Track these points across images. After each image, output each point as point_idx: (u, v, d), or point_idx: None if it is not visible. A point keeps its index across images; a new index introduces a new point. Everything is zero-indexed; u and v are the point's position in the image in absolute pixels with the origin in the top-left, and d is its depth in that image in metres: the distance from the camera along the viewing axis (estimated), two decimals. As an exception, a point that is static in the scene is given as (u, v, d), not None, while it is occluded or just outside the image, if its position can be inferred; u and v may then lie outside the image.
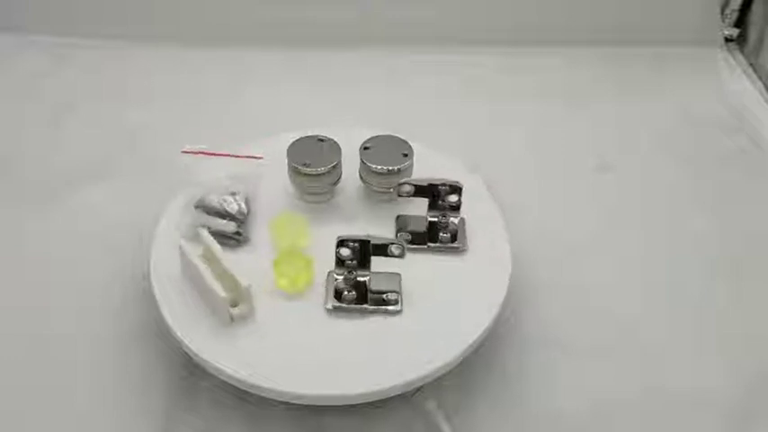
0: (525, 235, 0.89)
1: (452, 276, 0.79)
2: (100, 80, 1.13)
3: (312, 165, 0.81)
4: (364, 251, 0.74)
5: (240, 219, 0.81)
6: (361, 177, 0.84)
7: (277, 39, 1.18)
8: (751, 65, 1.21)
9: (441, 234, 0.80)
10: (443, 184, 0.79)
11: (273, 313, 0.75)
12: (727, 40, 1.25)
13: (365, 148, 0.82)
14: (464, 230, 0.81)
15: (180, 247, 0.75)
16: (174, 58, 1.16)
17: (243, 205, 0.81)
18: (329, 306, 0.75)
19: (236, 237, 0.80)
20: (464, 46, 1.19)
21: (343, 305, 0.75)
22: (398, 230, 0.82)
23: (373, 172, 0.82)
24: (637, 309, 0.87)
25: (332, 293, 0.75)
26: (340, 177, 0.84)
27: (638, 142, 1.08)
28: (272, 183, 0.85)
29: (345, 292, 0.75)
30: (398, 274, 0.77)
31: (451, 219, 0.81)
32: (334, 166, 0.81)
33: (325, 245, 0.76)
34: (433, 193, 0.80)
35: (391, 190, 0.82)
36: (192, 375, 0.76)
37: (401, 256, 0.74)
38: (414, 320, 0.75)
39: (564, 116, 1.11)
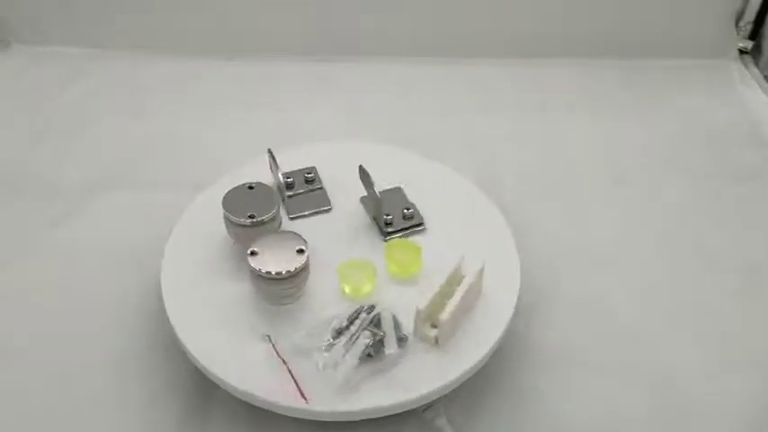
0: (538, 248, 0.90)
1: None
2: (119, 90, 1.14)
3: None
4: None
5: None
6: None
7: (292, 50, 1.19)
8: (765, 77, 1.21)
9: None
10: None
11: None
12: (742, 52, 1.25)
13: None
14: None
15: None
16: (192, 67, 1.17)
17: None
18: None
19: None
20: (479, 58, 1.19)
21: None
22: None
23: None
24: (651, 323, 0.87)
25: None
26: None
27: (653, 155, 1.07)
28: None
29: None
30: None
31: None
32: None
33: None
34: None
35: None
36: (206, 385, 0.76)
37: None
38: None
39: (578, 128, 1.11)
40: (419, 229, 0.84)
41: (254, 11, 1.18)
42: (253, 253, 0.74)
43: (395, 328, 0.73)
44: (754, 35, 1.25)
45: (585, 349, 0.84)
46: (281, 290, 0.75)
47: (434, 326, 0.73)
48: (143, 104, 1.11)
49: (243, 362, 0.73)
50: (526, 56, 1.20)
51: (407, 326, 0.74)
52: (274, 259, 0.74)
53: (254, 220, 0.77)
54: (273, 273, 0.73)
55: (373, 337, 0.72)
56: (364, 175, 0.81)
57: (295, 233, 0.76)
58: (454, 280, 0.75)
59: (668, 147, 1.09)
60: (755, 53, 1.25)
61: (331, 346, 0.72)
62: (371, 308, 0.75)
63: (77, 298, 0.87)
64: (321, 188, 0.87)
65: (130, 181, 1.00)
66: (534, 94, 1.16)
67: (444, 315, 0.72)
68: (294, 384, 0.70)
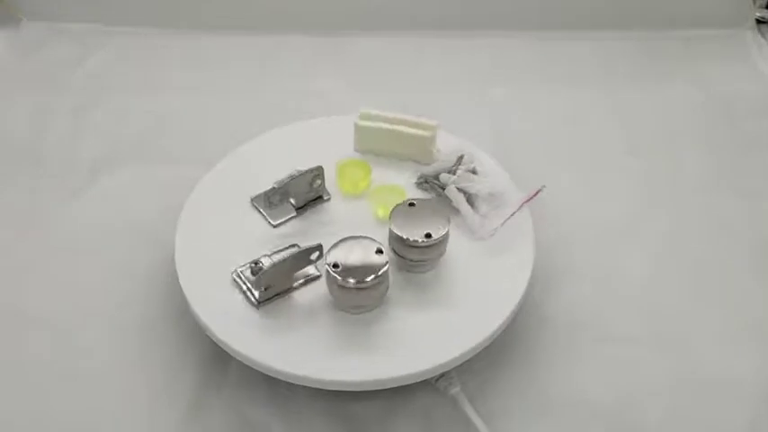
0: (552, 219, 0.90)
1: (477, 261, 0.79)
2: (128, 67, 1.13)
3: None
4: None
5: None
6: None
7: (304, 24, 1.18)
8: (783, 47, 1.19)
9: None
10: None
11: (299, 303, 0.75)
12: (759, 21, 1.23)
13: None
14: None
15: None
16: (201, 44, 1.16)
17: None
18: None
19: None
20: (491, 29, 1.18)
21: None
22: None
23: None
24: (666, 294, 0.86)
25: None
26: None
27: (669, 126, 1.06)
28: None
29: None
30: None
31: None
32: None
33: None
34: None
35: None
36: (220, 355, 0.77)
37: None
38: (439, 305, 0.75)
39: (593, 100, 1.10)
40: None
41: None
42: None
43: None
44: (772, 4, 1.23)
45: (599, 320, 0.84)
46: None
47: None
48: (154, 80, 1.11)
49: (257, 332, 0.73)
50: (540, 28, 1.19)
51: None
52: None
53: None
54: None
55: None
56: None
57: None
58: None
59: (684, 118, 1.08)
60: (773, 22, 1.23)
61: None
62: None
63: (92, 271, 0.87)
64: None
65: (143, 156, 1.00)
66: (548, 66, 1.15)
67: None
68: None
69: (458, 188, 0.81)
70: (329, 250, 0.73)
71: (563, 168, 1.00)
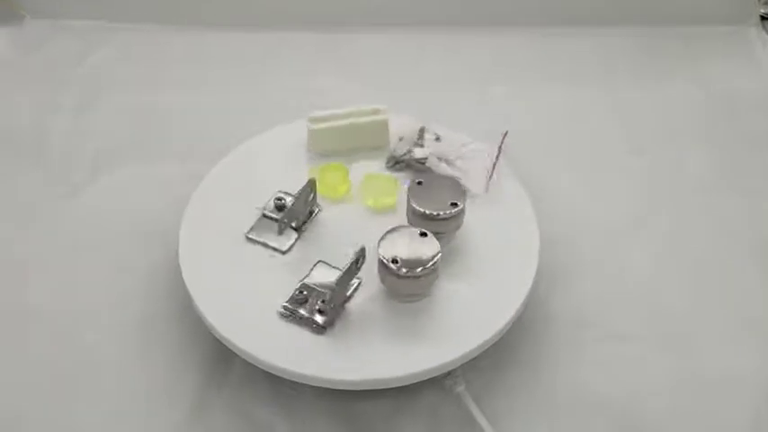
0: (556, 217, 0.89)
1: (481, 259, 0.79)
2: (130, 64, 1.13)
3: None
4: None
5: None
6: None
7: (307, 21, 1.18)
8: (788, 44, 1.19)
9: None
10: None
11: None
12: (763, 18, 1.23)
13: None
14: None
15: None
16: (207, 39, 1.16)
17: None
18: None
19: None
20: (493, 26, 1.18)
21: None
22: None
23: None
24: (671, 292, 0.86)
25: None
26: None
27: (671, 123, 1.06)
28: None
29: None
30: None
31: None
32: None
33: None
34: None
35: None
36: (223, 353, 0.77)
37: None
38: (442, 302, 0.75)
39: (595, 97, 1.09)
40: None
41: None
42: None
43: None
44: (776, 1, 1.23)
45: (605, 319, 0.84)
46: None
47: None
48: (157, 76, 1.10)
49: (261, 330, 0.73)
50: (541, 24, 1.18)
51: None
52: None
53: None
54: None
55: None
56: None
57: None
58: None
59: (686, 115, 1.07)
60: (777, 19, 1.23)
61: None
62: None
63: (95, 266, 0.87)
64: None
65: (147, 152, 1.00)
66: (550, 63, 1.14)
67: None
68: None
69: (437, 157, 0.82)
70: (379, 245, 0.73)
71: (564, 165, 0.99)
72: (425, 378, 0.72)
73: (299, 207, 0.81)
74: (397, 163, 0.85)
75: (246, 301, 0.75)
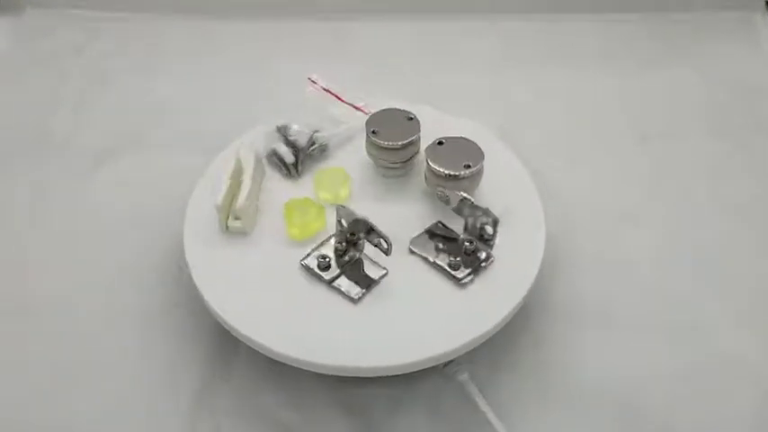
0: (562, 204, 0.89)
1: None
2: (134, 52, 1.13)
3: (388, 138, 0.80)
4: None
5: (302, 153, 0.83)
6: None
7: (307, 10, 1.17)
8: (793, 29, 1.18)
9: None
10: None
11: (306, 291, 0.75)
12: (769, 4, 1.22)
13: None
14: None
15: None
16: (208, 28, 1.16)
17: (308, 142, 0.83)
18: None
19: (291, 168, 0.83)
20: (500, 13, 1.17)
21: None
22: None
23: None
24: (676, 279, 0.86)
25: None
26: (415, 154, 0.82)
27: (678, 110, 1.06)
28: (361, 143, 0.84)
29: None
30: None
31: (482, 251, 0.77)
32: (410, 143, 0.80)
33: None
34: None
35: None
36: (228, 342, 0.77)
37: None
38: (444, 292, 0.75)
39: (602, 84, 1.09)
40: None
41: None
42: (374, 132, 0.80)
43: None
44: (782, -14, 1.22)
45: (609, 306, 0.84)
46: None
47: (237, 217, 0.77)
48: (158, 66, 1.11)
49: (266, 317, 0.73)
50: (548, 11, 1.18)
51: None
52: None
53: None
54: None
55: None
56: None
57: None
58: (237, 173, 0.79)
59: (692, 101, 1.07)
60: (783, 5, 1.22)
61: None
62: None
63: (101, 257, 0.87)
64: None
65: (149, 142, 1.00)
66: (557, 50, 1.14)
67: (240, 202, 0.76)
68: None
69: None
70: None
71: (571, 153, 0.99)
72: (427, 366, 0.71)
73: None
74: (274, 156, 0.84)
75: (252, 290, 0.75)
